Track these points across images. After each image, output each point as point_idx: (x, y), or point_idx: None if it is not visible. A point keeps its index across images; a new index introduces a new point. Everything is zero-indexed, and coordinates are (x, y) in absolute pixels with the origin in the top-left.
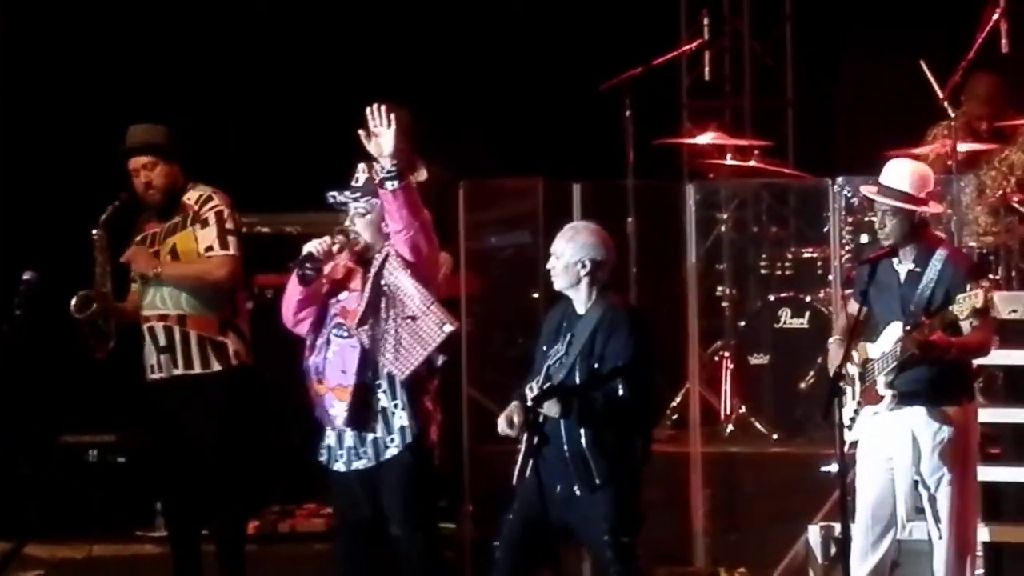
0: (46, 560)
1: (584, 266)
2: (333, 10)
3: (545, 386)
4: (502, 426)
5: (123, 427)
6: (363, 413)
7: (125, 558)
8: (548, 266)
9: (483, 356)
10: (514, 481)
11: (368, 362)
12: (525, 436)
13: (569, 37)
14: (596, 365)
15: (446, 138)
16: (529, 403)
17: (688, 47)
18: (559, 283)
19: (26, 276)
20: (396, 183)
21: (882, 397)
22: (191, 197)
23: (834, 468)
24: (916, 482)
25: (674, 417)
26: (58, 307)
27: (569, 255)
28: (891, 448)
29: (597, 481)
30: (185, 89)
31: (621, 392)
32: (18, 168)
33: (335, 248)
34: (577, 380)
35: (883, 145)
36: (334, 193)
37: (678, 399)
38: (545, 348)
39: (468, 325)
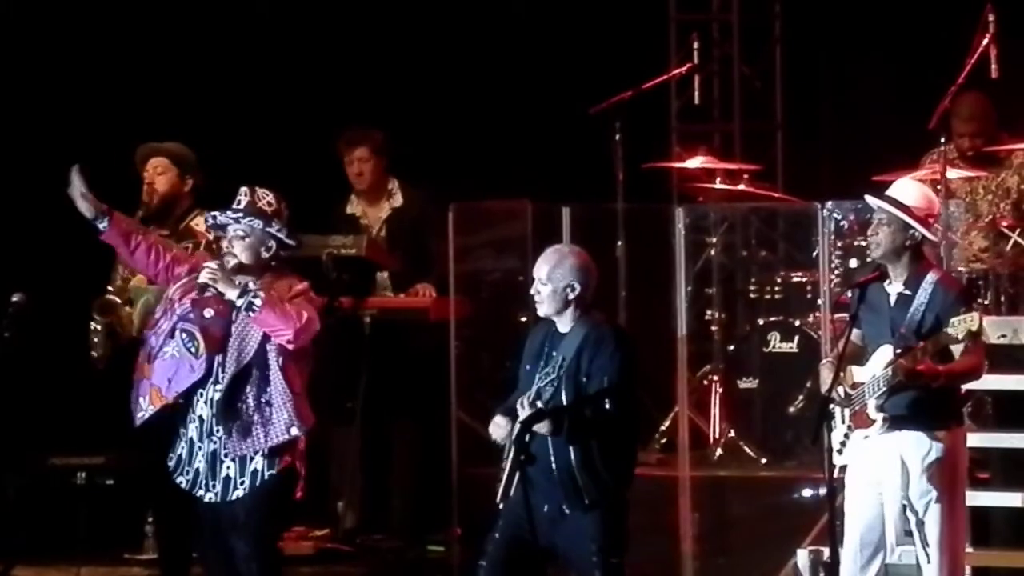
0: None
1: (573, 290)
2: (320, 34)
3: (535, 404)
4: (493, 430)
5: (112, 449)
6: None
7: None
8: (533, 291)
9: (471, 379)
10: (498, 500)
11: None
12: (511, 455)
13: (559, 61)
14: (584, 380)
15: (435, 161)
16: (519, 421)
17: (678, 71)
18: (546, 309)
19: (15, 298)
20: (252, 307)
21: (873, 421)
22: (201, 224)
23: None
24: (905, 506)
25: (663, 441)
26: (46, 329)
27: (557, 280)
28: (880, 472)
29: (586, 501)
30: (181, 108)
31: (608, 408)
32: (7, 187)
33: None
34: (564, 398)
35: (873, 170)
36: (215, 214)
37: (667, 423)
38: (528, 367)
39: (456, 348)
